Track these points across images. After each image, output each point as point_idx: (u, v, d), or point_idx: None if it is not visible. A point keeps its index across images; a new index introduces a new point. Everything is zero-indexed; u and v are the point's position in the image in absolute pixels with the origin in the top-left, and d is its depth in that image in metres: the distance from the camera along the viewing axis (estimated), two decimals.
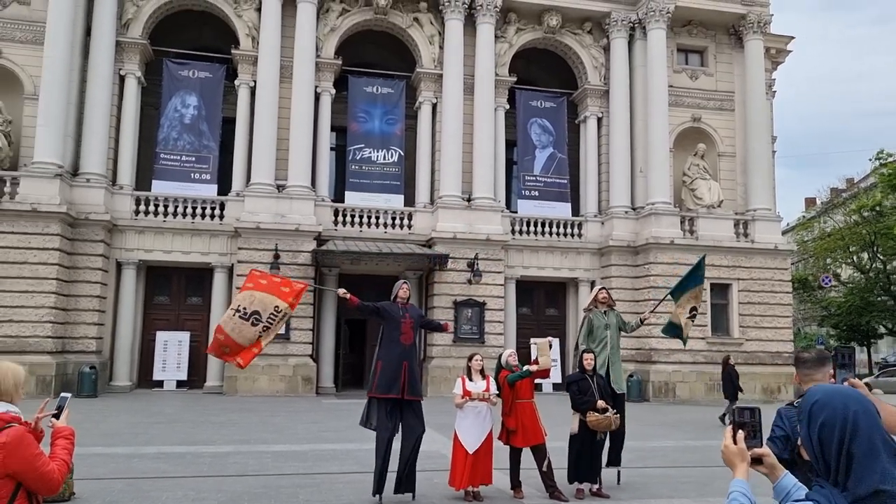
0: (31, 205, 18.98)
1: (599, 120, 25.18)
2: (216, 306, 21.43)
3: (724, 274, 23.10)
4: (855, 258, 40.73)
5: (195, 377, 21.45)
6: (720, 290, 23.18)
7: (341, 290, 7.93)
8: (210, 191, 22.16)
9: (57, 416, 3.11)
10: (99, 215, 20.31)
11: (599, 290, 9.34)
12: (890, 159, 35.17)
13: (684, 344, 9.66)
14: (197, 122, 22.53)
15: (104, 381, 20.12)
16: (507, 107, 24.48)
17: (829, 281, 38.97)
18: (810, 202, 57.36)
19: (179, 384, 21.30)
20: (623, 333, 9.18)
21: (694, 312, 8.92)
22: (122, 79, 21.91)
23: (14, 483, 2.78)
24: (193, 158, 22.35)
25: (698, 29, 25.16)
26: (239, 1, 22.52)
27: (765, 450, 2.04)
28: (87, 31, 21.16)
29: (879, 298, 37.37)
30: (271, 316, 7.06)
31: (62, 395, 3.23)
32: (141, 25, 22.07)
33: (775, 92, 27.37)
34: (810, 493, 1.86)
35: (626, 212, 23.95)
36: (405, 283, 8.23)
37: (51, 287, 19.05)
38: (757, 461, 2.04)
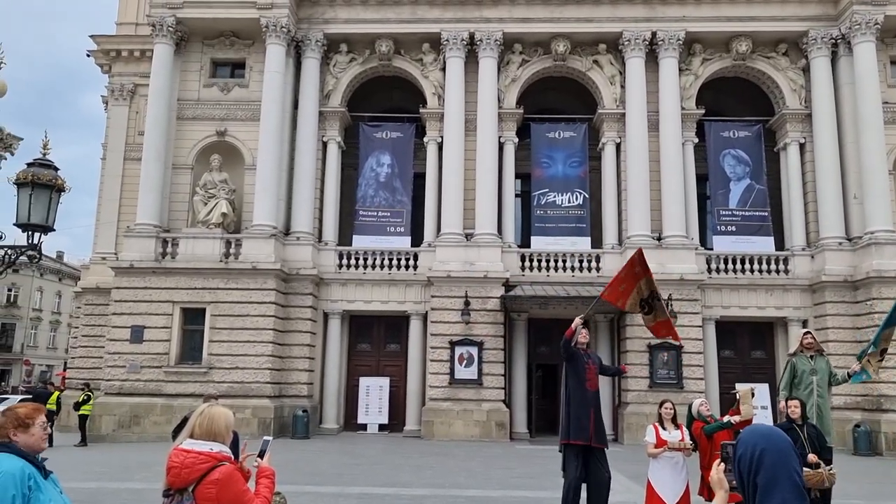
0: (252, 263, 21.22)
1: (802, 146, 23.32)
2: (413, 352, 22.40)
3: None
4: None
5: (395, 421, 22.42)
6: None
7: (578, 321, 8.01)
8: (404, 243, 23.41)
9: (261, 457, 3.47)
10: (308, 270, 22.20)
11: (805, 333, 8.67)
12: None
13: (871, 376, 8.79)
14: (391, 180, 24.04)
15: (315, 424, 21.67)
16: (696, 140, 23.47)
17: None
18: None
19: (381, 427, 22.37)
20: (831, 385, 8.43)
21: (883, 355, 8.27)
22: (324, 144, 24.03)
23: None
24: (388, 213, 23.82)
25: None
26: (425, 63, 23.94)
27: None
28: (295, 105, 23.57)
29: None
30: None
31: (264, 438, 3.59)
32: (340, 95, 24.16)
33: None
34: None
35: (840, 243, 21.75)
36: (583, 327, 8.13)
37: (268, 337, 21.03)
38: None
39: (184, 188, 22.98)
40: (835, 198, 22.05)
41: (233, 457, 3.31)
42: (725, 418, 7.74)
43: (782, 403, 8.13)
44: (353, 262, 23.02)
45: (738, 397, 8.11)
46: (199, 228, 21.97)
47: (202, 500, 3.13)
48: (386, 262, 22.90)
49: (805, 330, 8.97)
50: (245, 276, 21.24)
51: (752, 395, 8.01)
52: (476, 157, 22.82)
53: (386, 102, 25.90)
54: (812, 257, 22.27)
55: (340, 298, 22.82)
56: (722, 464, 2.44)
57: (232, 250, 21.64)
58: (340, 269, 23.00)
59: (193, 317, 21.35)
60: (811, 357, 8.42)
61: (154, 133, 22.37)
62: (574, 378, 7.83)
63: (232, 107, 23.40)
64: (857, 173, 21.84)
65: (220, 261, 21.39)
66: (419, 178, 23.98)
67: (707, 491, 7.58)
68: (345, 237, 23.95)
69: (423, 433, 21.11)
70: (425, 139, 23.95)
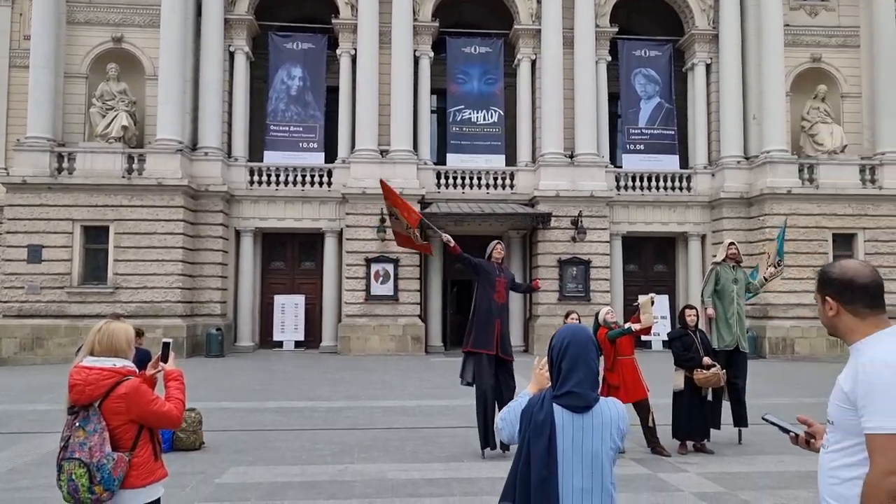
0: (157, 179, 20.36)
1: (708, 66, 23.97)
2: (328, 270, 22.36)
3: (848, 224, 21.67)
4: None
5: (311, 338, 22.56)
6: (844, 240, 21.76)
7: (446, 236, 8.27)
8: (318, 159, 22.93)
9: (164, 361, 3.46)
10: (217, 187, 21.51)
11: (730, 244, 9.12)
12: None
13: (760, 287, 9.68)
14: (303, 93, 23.26)
15: (229, 342, 21.54)
16: (609, 59, 23.71)
17: None
18: None
19: (297, 344, 22.47)
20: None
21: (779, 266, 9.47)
22: (231, 55, 22.88)
23: (137, 426, 3.20)
24: (301, 128, 23.16)
25: None
26: None
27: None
28: (198, 12, 22.20)
29: None
30: (406, 227, 9.03)
31: (164, 340, 3.57)
32: (247, 2, 22.87)
33: None
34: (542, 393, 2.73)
35: (739, 162, 22.81)
36: (499, 243, 8.37)
37: (178, 255, 20.47)
38: None
39: (79, 99, 21.55)
40: (736, 118, 22.96)
41: (136, 371, 3.31)
42: (627, 325, 8.21)
43: (710, 310, 8.67)
44: (264, 178, 22.44)
45: (639, 306, 8.62)
46: (98, 142, 20.78)
47: (110, 413, 3.13)
48: (299, 178, 22.44)
49: (730, 241, 9.40)
50: (150, 192, 20.40)
51: (652, 303, 8.51)
52: (391, 71, 22.30)
53: (296, 11, 24.75)
54: (713, 175, 23.30)
55: (252, 216, 22.34)
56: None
57: (135, 166, 20.65)
58: (252, 185, 22.41)
59: (96, 235, 20.47)
60: (733, 267, 8.97)
61: (41, 38, 20.66)
62: (481, 290, 8.12)
63: (128, 11, 21.83)
64: (757, 95, 22.71)
65: (123, 177, 20.41)
66: (332, 93, 23.30)
67: (608, 391, 8.11)
68: (256, 153, 23.21)
69: (339, 349, 21.37)
70: (338, 51, 23.17)
